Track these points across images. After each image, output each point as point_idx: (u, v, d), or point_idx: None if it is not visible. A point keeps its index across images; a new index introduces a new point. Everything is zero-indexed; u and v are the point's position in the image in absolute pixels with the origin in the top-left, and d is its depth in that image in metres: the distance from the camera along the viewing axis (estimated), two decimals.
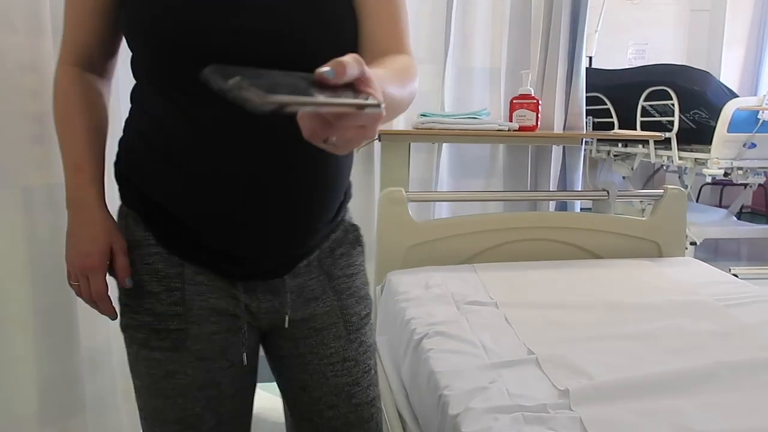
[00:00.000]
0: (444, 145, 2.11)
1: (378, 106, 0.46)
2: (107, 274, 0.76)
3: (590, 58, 3.74)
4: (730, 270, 2.57)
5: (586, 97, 2.16)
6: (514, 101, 1.96)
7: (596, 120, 3.25)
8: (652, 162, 3.24)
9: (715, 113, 2.76)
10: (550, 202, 2.20)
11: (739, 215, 3.75)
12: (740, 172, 2.83)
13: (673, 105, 2.90)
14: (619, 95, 3.23)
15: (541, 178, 2.21)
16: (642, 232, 1.77)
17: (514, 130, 1.93)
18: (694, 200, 4.41)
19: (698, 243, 2.91)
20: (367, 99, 0.46)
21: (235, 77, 0.42)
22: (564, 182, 2.24)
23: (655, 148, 3.11)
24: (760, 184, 3.16)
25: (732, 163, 2.78)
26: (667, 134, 2.94)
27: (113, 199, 0.79)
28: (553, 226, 1.73)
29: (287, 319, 0.80)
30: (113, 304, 0.77)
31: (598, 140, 3.57)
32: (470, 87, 2.11)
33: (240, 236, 0.73)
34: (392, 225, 1.63)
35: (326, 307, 0.81)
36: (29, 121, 0.96)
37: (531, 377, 0.97)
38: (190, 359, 0.74)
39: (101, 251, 0.74)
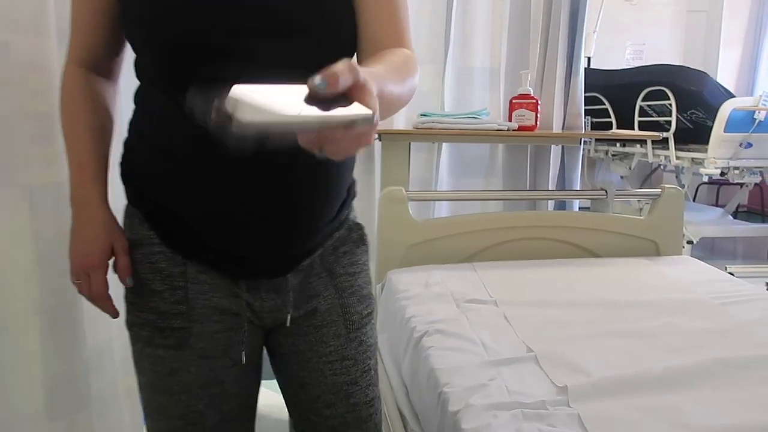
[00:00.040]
0: (444, 144, 2.12)
1: (371, 119, 0.45)
2: (113, 273, 0.76)
3: (589, 58, 3.75)
4: (726, 268, 2.58)
5: (585, 97, 2.18)
6: (514, 101, 1.97)
7: (594, 120, 3.27)
8: (650, 161, 3.25)
9: (712, 113, 2.77)
10: (549, 201, 2.21)
11: (735, 214, 3.77)
12: (737, 171, 2.85)
13: (670, 105, 2.91)
14: (617, 95, 3.24)
15: (540, 178, 2.22)
16: (640, 231, 1.78)
17: (514, 130, 1.94)
18: (691, 199, 4.43)
19: (695, 242, 2.93)
20: (359, 112, 0.44)
21: (213, 104, 0.39)
22: (563, 181, 2.25)
23: (653, 148, 3.12)
24: (756, 184, 3.18)
25: (728, 162, 2.79)
26: (665, 134, 2.96)
27: (119, 198, 0.79)
28: (552, 225, 1.74)
29: (289, 318, 0.80)
30: (114, 303, 0.77)
31: (597, 140, 3.58)
32: (470, 87, 2.12)
33: (240, 236, 0.73)
34: (392, 224, 1.64)
35: (327, 305, 0.81)
36: (34, 120, 0.96)
37: (530, 374, 0.98)
38: (193, 357, 0.75)
39: (102, 250, 0.74)
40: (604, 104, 3.34)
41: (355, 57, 0.75)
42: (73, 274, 0.76)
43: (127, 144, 0.78)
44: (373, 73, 0.56)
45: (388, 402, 1.24)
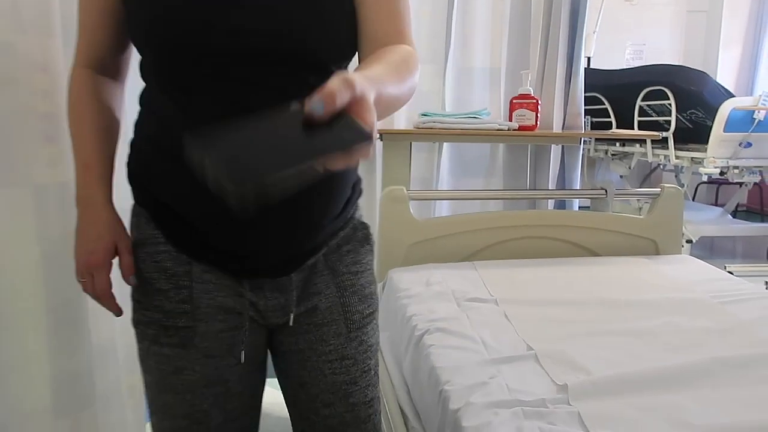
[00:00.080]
0: (444, 144, 2.12)
1: (368, 138, 0.45)
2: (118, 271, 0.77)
3: (589, 58, 3.76)
4: (725, 267, 2.59)
5: (585, 97, 2.18)
6: (514, 101, 1.98)
7: (594, 119, 3.28)
8: (649, 161, 3.26)
9: (712, 113, 2.78)
10: (549, 200, 2.22)
11: (735, 213, 3.78)
12: (736, 170, 2.86)
13: (670, 105, 2.92)
14: (617, 95, 3.25)
15: (540, 177, 2.22)
16: (639, 230, 1.78)
17: (514, 130, 1.94)
18: (691, 199, 4.44)
19: (694, 241, 2.94)
20: (356, 134, 0.45)
21: (210, 155, 0.39)
22: (563, 181, 2.26)
23: (652, 148, 3.13)
24: (755, 183, 3.18)
25: (728, 162, 2.80)
26: (664, 134, 2.97)
27: (125, 198, 0.80)
28: (552, 224, 1.75)
29: (292, 317, 0.80)
30: (117, 301, 0.78)
31: (596, 139, 3.59)
32: (470, 87, 2.12)
33: (243, 235, 0.73)
34: (394, 223, 1.64)
35: (328, 303, 0.81)
36: (40, 120, 0.97)
37: (530, 373, 0.98)
38: (197, 356, 0.75)
39: (105, 249, 0.75)
40: (604, 104, 3.34)
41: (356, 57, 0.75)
42: (78, 272, 0.77)
43: (133, 145, 0.79)
44: (370, 77, 0.57)
45: (390, 400, 1.25)
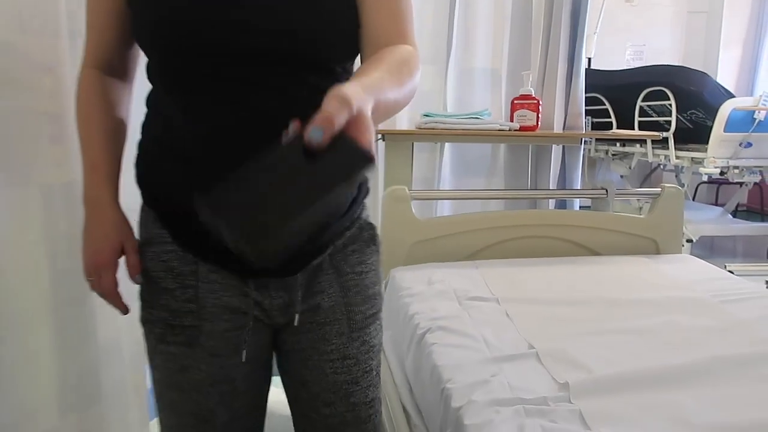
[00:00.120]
0: (446, 144, 2.13)
1: (370, 160, 0.46)
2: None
3: (589, 59, 3.76)
4: (725, 267, 2.60)
5: (585, 97, 2.19)
6: (515, 101, 1.98)
7: (595, 120, 3.28)
8: (650, 161, 3.27)
9: (712, 113, 2.79)
10: (550, 200, 2.22)
11: (735, 213, 3.78)
12: (736, 170, 2.87)
13: (670, 105, 2.93)
14: (617, 96, 3.26)
15: (541, 177, 2.23)
16: (640, 229, 1.79)
17: (515, 130, 1.95)
18: (691, 198, 4.44)
19: (695, 240, 2.95)
20: (355, 159, 0.46)
21: (222, 221, 0.40)
22: (563, 181, 2.26)
23: (653, 148, 3.13)
24: (755, 183, 3.19)
25: (728, 162, 2.81)
26: (665, 134, 2.97)
27: (132, 197, 0.81)
28: (553, 223, 1.76)
29: (297, 317, 0.80)
30: (123, 300, 0.78)
31: (597, 140, 3.60)
32: (472, 87, 2.13)
33: None
34: (396, 222, 1.65)
35: (331, 302, 0.80)
36: (47, 120, 0.98)
37: (531, 371, 0.99)
38: (203, 355, 0.75)
39: (112, 248, 0.75)
40: (605, 104, 3.35)
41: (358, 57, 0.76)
42: (86, 271, 0.77)
43: (140, 145, 0.80)
44: (368, 85, 0.57)
45: (392, 398, 1.26)
